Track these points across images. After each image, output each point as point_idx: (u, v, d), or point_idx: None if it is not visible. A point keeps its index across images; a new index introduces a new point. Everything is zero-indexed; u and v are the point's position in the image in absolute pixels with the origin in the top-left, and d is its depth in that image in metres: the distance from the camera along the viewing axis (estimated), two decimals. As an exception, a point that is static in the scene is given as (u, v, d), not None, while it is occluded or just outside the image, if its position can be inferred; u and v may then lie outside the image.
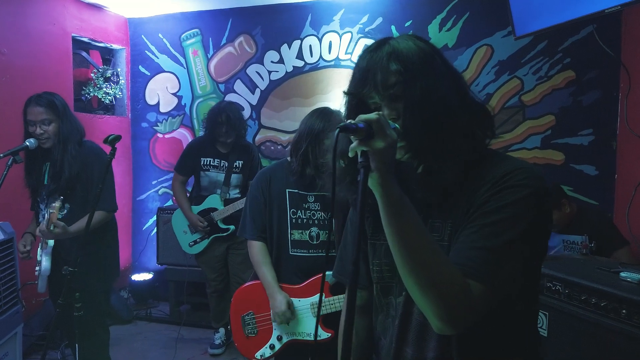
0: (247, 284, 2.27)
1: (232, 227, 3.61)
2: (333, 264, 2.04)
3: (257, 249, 2.19)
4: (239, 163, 3.65)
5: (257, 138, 4.58)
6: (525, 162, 1.00)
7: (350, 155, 0.90)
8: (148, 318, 4.40)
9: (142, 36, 4.84)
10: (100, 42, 4.56)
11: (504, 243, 0.90)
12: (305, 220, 2.16)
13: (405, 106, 0.97)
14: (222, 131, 3.52)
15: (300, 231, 2.16)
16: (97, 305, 2.51)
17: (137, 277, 4.68)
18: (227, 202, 3.63)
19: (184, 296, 4.42)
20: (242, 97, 4.57)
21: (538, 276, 1.05)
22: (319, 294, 2.07)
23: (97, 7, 4.47)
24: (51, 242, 2.43)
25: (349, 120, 0.88)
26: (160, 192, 4.91)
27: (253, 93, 4.55)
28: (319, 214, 2.17)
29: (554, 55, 3.73)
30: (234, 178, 3.67)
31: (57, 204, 2.20)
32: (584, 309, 1.62)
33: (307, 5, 4.35)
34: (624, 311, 1.48)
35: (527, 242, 0.92)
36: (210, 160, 3.65)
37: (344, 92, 1.06)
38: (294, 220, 2.16)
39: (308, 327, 2.12)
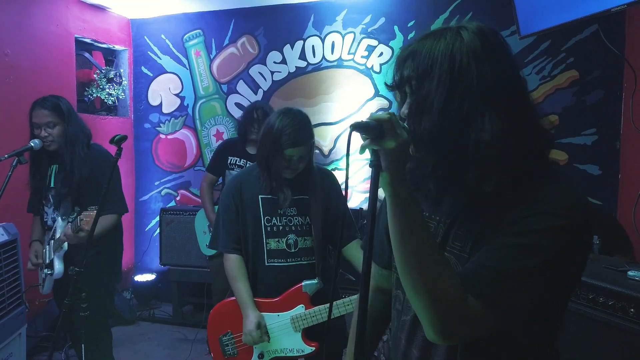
0: (223, 302, 2.14)
1: None
2: (311, 272, 1.99)
3: (231, 263, 2.03)
4: None
5: (259, 138, 4.57)
6: (572, 188, 0.89)
7: (360, 153, 0.90)
8: (151, 319, 4.40)
9: (145, 37, 4.84)
10: (103, 43, 4.57)
11: (519, 270, 0.84)
12: (281, 228, 2.00)
13: (409, 110, 0.96)
14: (255, 128, 3.47)
15: (276, 239, 2.00)
16: (101, 307, 2.51)
17: (140, 278, 4.68)
18: None
19: (189, 297, 4.44)
20: (245, 97, 4.57)
21: (558, 314, 0.97)
22: (299, 306, 1.99)
23: (99, 8, 4.48)
24: (65, 246, 2.43)
25: (361, 119, 0.89)
26: (163, 192, 4.91)
27: (256, 94, 4.55)
28: (296, 219, 2.01)
29: (557, 54, 3.73)
30: None
31: (91, 212, 2.13)
32: (591, 307, 1.61)
33: (309, 5, 4.35)
34: (632, 310, 1.48)
35: (546, 275, 0.85)
36: (236, 160, 3.61)
37: (386, 85, 1.05)
38: (268, 229, 1.99)
39: (290, 343, 1.99)
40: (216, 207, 3.55)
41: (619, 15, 3.48)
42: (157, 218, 4.56)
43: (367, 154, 0.89)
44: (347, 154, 0.90)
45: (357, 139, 0.89)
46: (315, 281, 1.98)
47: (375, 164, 0.88)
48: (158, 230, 4.49)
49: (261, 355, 2.02)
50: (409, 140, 0.88)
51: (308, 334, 2.00)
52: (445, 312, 0.84)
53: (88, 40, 4.42)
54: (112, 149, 2.03)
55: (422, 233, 0.87)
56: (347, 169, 0.92)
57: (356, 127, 0.87)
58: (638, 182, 2.92)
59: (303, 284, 1.97)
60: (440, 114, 0.89)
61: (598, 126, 3.65)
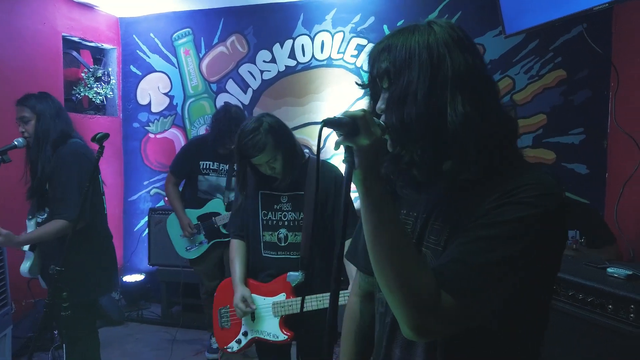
0: (228, 279, 2.30)
1: None
2: (294, 264, 2.08)
3: (232, 246, 2.25)
4: None
5: (249, 138, 4.55)
6: (544, 177, 0.90)
7: (335, 149, 0.90)
8: (140, 319, 4.37)
9: (134, 36, 4.82)
10: (91, 41, 4.54)
11: (492, 263, 0.83)
12: (275, 222, 2.14)
13: (387, 101, 0.95)
14: (229, 140, 3.34)
15: (270, 233, 2.14)
16: (84, 308, 2.41)
17: (129, 278, 4.65)
18: (229, 206, 3.55)
19: (178, 298, 4.41)
20: (234, 96, 4.56)
21: (539, 312, 0.96)
22: (281, 294, 2.11)
23: (87, 7, 4.45)
24: (25, 247, 2.39)
25: (333, 115, 0.89)
26: (151, 192, 4.89)
27: (245, 93, 4.54)
28: (290, 214, 2.13)
29: (545, 54, 3.74)
30: (234, 181, 3.60)
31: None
32: (571, 304, 1.62)
33: (299, 4, 4.35)
34: (610, 306, 1.48)
35: (520, 267, 0.84)
36: (209, 164, 3.55)
37: (357, 84, 1.08)
38: (264, 222, 2.15)
39: (268, 327, 2.13)
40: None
41: (606, 15, 3.51)
42: (146, 218, 4.54)
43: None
44: (318, 150, 0.91)
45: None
46: (298, 274, 2.08)
47: (348, 160, 0.88)
48: (147, 230, 4.46)
49: (245, 333, 2.19)
50: (382, 138, 0.89)
51: (286, 323, 2.12)
52: (419, 309, 0.83)
53: (76, 39, 4.39)
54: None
55: (395, 229, 0.87)
56: (317, 164, 0.91)
57: (328, 123, 0.87)
58: (625, 181, 2.93)
59: (288, 274, 2.11)
60: (425, 102, 0.89)
61: (585, 125, 3.67)
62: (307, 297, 2.04)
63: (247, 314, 2.13)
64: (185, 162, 3.58)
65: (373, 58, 0.99)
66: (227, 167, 3.54)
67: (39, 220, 2.41)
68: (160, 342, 3.96)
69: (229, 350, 2.21)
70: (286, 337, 2.08)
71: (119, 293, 4.66)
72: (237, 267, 2.18)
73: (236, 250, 2.21)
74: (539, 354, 1.00)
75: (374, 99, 1.03)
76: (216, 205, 3.57)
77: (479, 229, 0.86)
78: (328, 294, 1.96)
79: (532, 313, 0.95)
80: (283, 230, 2.12)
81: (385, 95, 0.98)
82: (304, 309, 2.03)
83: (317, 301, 2.03)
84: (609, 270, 1.62)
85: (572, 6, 2.07)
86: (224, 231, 3.54)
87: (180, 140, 4.76)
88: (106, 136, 1.92)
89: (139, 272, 4.75)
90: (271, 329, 2.11)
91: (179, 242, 3.71)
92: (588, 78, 3.64)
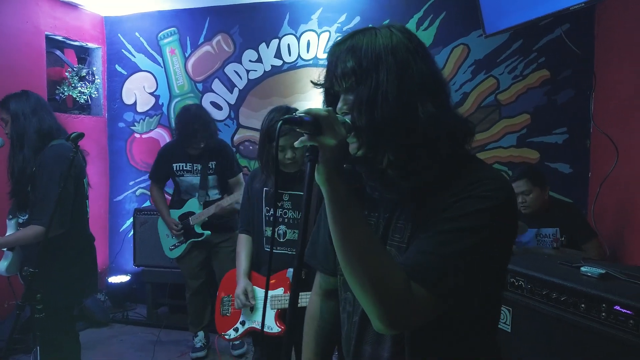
0: (232, 269, 2.41)
1: (207, 232, 3.57)
2: (292, 259, 2.11)
3: (239, 240, 2.37)
4: (212, 164, 3.58)
5: (235, 138, 4.55)
6: (496, 173, 0.96)
7: (296, 145, 0.90)
8: (125, 321, 4.34)
9: (119, 35, 4.78)
10: (75, 40, 4.50)
11: (456, 252, 0.88)
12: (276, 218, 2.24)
13: (354, 102, 0.95)
14: (196, 139, 3.42)
15: (271, 228, 2.19)
16: (61, 310, 2.32)
17: (114, 279, 4.61)
18: (206, 204, 3.57)
19: (164, 298, 4.39)
20: (220, 96, 4.54)
21: (495, 291, 1.03)
22: (279, 289, 2.22)
23: (72, 5, 4.41)
24: (9, 253, 2.36)
25: (294, 113, 0.89)
26: (137, 193, 4.85)
27: (231, 92, 4.52)
28: (290, 212, 2.22)
29: (528, 54, 3.76)
30: (211, 179, 3.60)
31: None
32: (545, 303, 1.62)
33: (285, 4, 4.34)
34: (582, 305, 1.48)
35: (482, 255, 0.89)
36: (182, 165, 3.57)
37: (312, 83, 1.06)
38: (267, 218, 2.25)
39: (265, 319, 2.21)
40: None
41: (589, 16, 3.53)
42: (132, 219, 4.50)
43: None
44: (276, 148, 0.90)
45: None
46: None
47: (310, 159, 0.87)
48: (132, 231, 4.42)
49: (243, 322, 2.29)
50: (347, 137, 0.90)
51: (282, 317, 2.21)
52: (391, 302, 0.86)
53: (59, 38, 4.35)
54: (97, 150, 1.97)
55: (362, 226, 0.89)
56: (275, 163, 0.91)
57: (288, 121, 0.87)
58: (606, 181, 2.95)
59: (288, 269, 2.21)
60: (396, 104, 0.91)
61: (568, 125, 3.69)
62: (301, 293, 2.05)
63: (247, 307, 2.24)
64: (160, 167, 3.65)
65: (336, 57, 0.98)
66: (200, 166, 3.56)
67: (20, 220, 2.38)
68: (145, 343, 3.93)
69: (226, 337, 2.32)
70: (280, 329, 2.16)
71: (104, 294, 4.62)
72: (242, 260, 2.30)
73: (243, 244, 2.34)
74: (497, 345, 1.06)
75: (328, 100, 1.03)
76: (192, 205, 3.60)
77: (443, 223, 0.90)
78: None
79: (490, 303, 1.02)
80: (282, 227, 2.22)
81: (347, 96, 0.98)
82: (298, 305, 2.02)
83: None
84: (583, 269, 1.63)
85: (549, 6, 2.08)
86: (198, 230, 3.58)
87: (166, 140, 4.73)
88: (81, 136, 1.90)
89: (125, 273, 4.71)
90: (267, 321, 2.20)
91: (165, 241, 3.75)
92: (571, 78, 3.66)
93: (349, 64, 0.95)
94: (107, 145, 4.88)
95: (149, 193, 4.76)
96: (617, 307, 1.39)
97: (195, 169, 3.57)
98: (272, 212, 2.25)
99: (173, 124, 3.66)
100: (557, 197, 3.62)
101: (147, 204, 4.79)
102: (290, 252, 2.22)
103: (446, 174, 0.94)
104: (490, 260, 0.91)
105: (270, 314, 2.22)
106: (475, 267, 0.89)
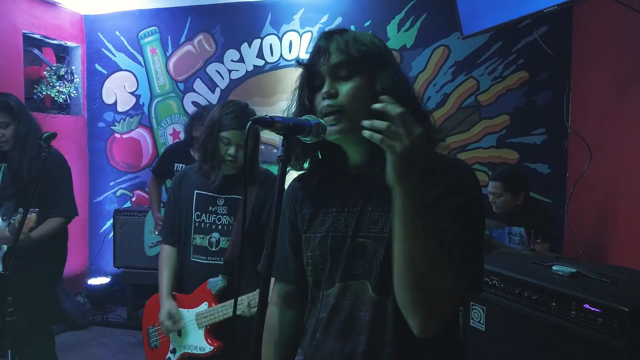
0: (154, 295, 2.19)
1: None
2: (220, 270, 1.95)
3: (162, 253, 2.12)
4: None
5: (217, 138, 4.51)
6: (458, 159, 1.07)
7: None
8: (105, 323, 4.29)
9: (99, 33, 4.72)
10: (54, 39, 4.43)
11: (477, 235, 0.97)
12: (208, 225, 2.01)
13: (356, 86, 0.98)
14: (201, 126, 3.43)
15: (202, 236, 2.01)
16: (40, 312, 2.40)
17: (94, 281, 4.55)
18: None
19: (145, 300, 4.33)
20: (202, 96, 4.51)
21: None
22: (203, 304, 1.99)
23: (50, 3, 4.34)
24: (5, 247, 2.32)
25: (264, 114, 0.89)
26: (118, 193, 4.80)
27: (213, 92, 4.49)
28: (225, 218, 2.00)
29: (508, 56, 3.80)
30: None
31: (33, 216, 2.09)
32: (518, 302, 1.64)
33: (267, 4, 4.32)
34: (553, 304, 1.50)
35: (479, 234, 0.99)
36: (182, 167, 3.53)
37: (297, 62, 1.07)
38: (197, 224, 2.01)
39: (194, 340, 2.00)
40: None
41: (566, 18, 3.58)
42: (112, 220, 4.44)
43: None
44: (245, 150, 0.91)
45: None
46: (218, 279, 1.95)
47: (282, 159, 0.87)
48: (112, 232, 4.37)
49: (174, 351, 2.06)
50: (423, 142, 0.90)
51: (212, 333, 2.00)
52: (444, 298, 0.88)
53: (37, 36, 4.29)
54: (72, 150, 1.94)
55: (430, 232, 0.88)
56: (245, 166, 0.91)
57: (257, 121, 0.88)
58: (583, 180, 2.99)
59: (208, 281, 1.98)
60: (406, 96, 0.97)
61: (547, 126, 3.74)
62: (229, 301, 1.94)
63: (174, 331, 2.02)
64: (163, 163, 3.65)
65: (344, 43, 1.00)
66: None
67: (12, 221, 2.36)
68: (125, 345, 3.89)
69: None
70: (212, 348, 1.96)
71: (83, 296, 4.56)
72: (165, 279, 2.05)
73: (165, 258, 2.09)
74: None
75: (310, 86, 1.04)
76: None
77: (453, 214, 0.93)
78: (252, 293, 1.88)
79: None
80: (216, 234, 2.00)
81: (337, 83, 0.99)
82: (226, 315, 1.92)
83: (239, 304, 1.90)
84: (554, 268, 1.65)
85: (524, 8, 2.11)
86: None
87: (147, 140, 4.69)
88: (53, 136, 1.87)
89: (105, 274, 4.65)
90: (197, 342, 1.99)
91: (148, 237, 3.82)
92: (549, 80, 3.71)
93: (352, 51, 0.99)
94: (87, 145, 4.81)
95: (129, 194, 4.73)
96: (586, 306, 1.40)
97: None
98: (203, 217, 2.00)
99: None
100: (537, 197, 3.67)
101: (128, 204, 4.74)
102: (221, 262, 1.99)
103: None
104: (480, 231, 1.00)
105: (200, 334, 1.99)
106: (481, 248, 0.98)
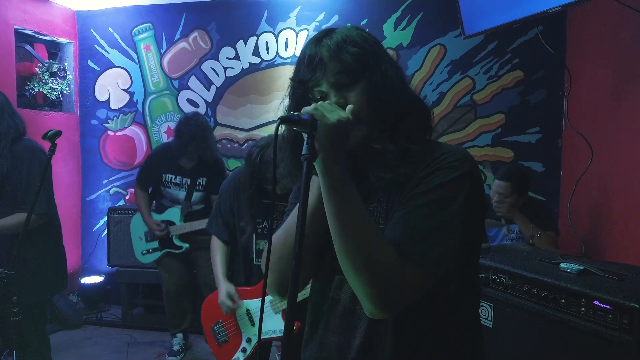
0: (211, 295, 2.31)
1: (186, 245, 3.52)
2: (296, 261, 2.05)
3: (215, 244, 2.28)
4: (202, 180, 3.50)
5: (212, 136, 4.49)
6: (458, 147, 1.02)
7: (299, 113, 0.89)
8: (99, 322, 4.25)
9: (92, 30, 4.66)
10: (46, 35, 4.36)
11: (439, 223, 0.91)
12: (270, 231, 2.10)
13: (361, 92, 0.97)
14: (192, 149, 3.32)
15: (265, 241, 2.12)
16: (33, 313, 2.33)
17: (87, 280, 4.50)
18: (188, 216, 3.52)
19: (139, 299, 4.32)
20: (197, 93, 4.48)
21: (473, 258, 1.05)
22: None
23: (41, -1, 4.28)
24: None
25: (291, 112, 0.89)
26: (111, 191, 4.74)
27: (208, 90, 4.46)
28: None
29: (503, 55, 3.84)
30: (196, 196, 3.53)
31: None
32: (526, 299, 1.66)
33: (263, 1, 4.31)
34: (562, 301, 1.53)
35: (460, 222, 0.92)
36: (172, 177, 3.49)
37: (291, 80, 1.05)
38: (259, 230, 2.13)
39: (272, 325, 2.12)
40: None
41: (561, 18, 3.63)
42: (105, 218, 4.40)
43: None
44: (274, 148, 0.91)
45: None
46: None
47: (308, 157, 0.87)
48: (106, 231, 4.33)
49: (249, 340, 2.17)
50: (352, 122, 0.91)
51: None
52: (388, 284, 0.87)
53: (29, 32, 4.21)
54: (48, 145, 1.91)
55: (359, 209, 0.90)
56: (274, 163, 0.91)
57: (286, 119, 0.88)
58: (577, 179, 3.05)
59: None
60: (400, 95, 0.99)
61: (541, 125, 3.79)
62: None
63: (234, 310, 2.15)
64: (149, 173, 3.56)
65: (338, 48, 0.98)
66: (189, 181, 3.50)
67: None
68: (120, 345, 3.86)
69: None
70: (294, 327, 2.07)
71: (76, 295, 4.51)
72: (219, 264, 2.21)
73: (218, 247, 2.25)
74: (479, 324, 1.10)
75: (296, 97, 1.04)
76: (173, 214, 3.55)
77: (418, 197, 0.93)
78: None
79: (468, 277, 1.04)
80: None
81: (342, 92, 0.98)
82: (304, 296, 2.00)
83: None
84: (562, 265, 1.68)
85: (527, 8, 2.13)
86: (177, 242, 3.53)
87: (141, 138, 4.64)
88: (58, 134, 1.84)
89: (98, 273, 4.60)
90: (276, 326, 2.11)
91: (137, 244, 3.69)
92: (543, 79, 3.76)
93: (346, 54, 0.97)
94: (79, 142, 4.75)
95: (123, 192, 4.69)
96: (596, 302, 1.43)
97: (184, 183, 3.50)
98: (264, 224, 2.13)
99: (174, 130, 3.51)
100: (531, 195, 3.71)
101: (122, 202, 4.69)
102: None
103: (410, 156, 0.98)
104: (469, 227, 0.94)
105: (277, 318, 2.10)
106: (457, 237, 0.92)
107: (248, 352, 2.16)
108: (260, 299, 2.06)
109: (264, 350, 2.25)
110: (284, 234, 1.03)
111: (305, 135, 0.89)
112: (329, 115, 0.88)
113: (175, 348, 3.61)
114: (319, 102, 0.92)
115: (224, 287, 2.16)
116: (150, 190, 3.65)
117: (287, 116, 0.87)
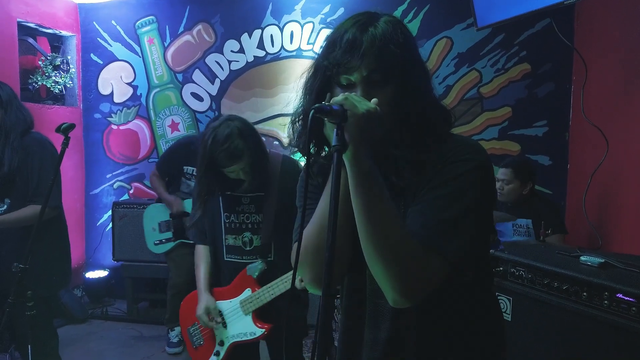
0: (189, 295, 2.24)
1: None
2: (257, 255, 2.02)
3: (196, 252, 2.17)
4: None
5: (217, 129, 4.47)
6: (471, 139, 1.06)
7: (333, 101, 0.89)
8: (104, 317, 4.24)
9: (94, 23, 4.61)
10: (49, 28, 4.32)
11: (457, 214, 0.93)
12: (238, 225, 2.04)
13: (389, 95, 0.97)
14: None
15: (234, 236, 2.05)
16: (42, 308, 2.27)
17: (92, 274, 4.49)
18: None
19: (144, 293, 4.31)
20: (202, 87, 4.45)
21: (486, 245, 1.11)
22: (246, 290, 2.05)
23: (44, -9, 4.23)
24: None
25: (323, 102, 0.89)
26: (115, 186, 4.72)
27: (213, 83, 4.43)
28: (253, 216, 2.03)
29: (510, 48, 3.82)
30: None
31: None
32: (546, 292, 1.66)
33: (267, -6, 4.27)
34: (584, 294, 1.53)
35: (476, 212, 0.95)
36: (193, 170, 3.45)
37: (323, 60, 1.03)
38: (227, 225, 2.05)
39: (242, 327, 2.06)
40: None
41: (569, 10, 3.61)
42: (110, 212, 4.38)
43: None
44: (308, 139, 0.91)
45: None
46: (258, 262, 2.01)
47: (338, 148, 0.86)
48: (111, 225, 4.31)
49: (221, 343, 2.10)
50: (380, 114, 0.90)
51: (260, 317, 2.06)
52: (414, 275, 0.90)
53: (32, 25, 4.17)
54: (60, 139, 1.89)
55: (386, 201, 0.91)
56: (307, 154, 0.90)
57: (320, 110, 0.87)
58: (585, 172, 3.04)
59: (247, 267, 2.03)
60: (426, 96, 1.01)
61: (548, 118, 3.78)
62: (274, 281, 1.99)
63: (212, 326, 2.08)
64: (171, 163, 3.55)
65: (380, 46, 0.96)
66: None
67: (0, 212, 2.30)
68: (126, 339, 3.85)
69: None
70: (263, 330, 2.03)
71: (81, 290, 4.50)
72: (202, 274, 2.11)
73: (201, 256, 2.14)
74: (499, 310, 1.15)
75: (326, 87, 1.04)
76: (189, 205, 3.50)
77: (435, 190, 0.96)
78: (289, 273, 1.93)
79: (483, 262, 1.09)
80: (247, 234, 2.04)
81: (371, 90, 0.97)
82: (273, 296, 1.99)
83: (284, 283, 1.97)
84: (582, 258, 1.67)
85: (543, 0, 2.11)
86: None
87: (145, 132, 4.62)
88: (72, 127, 1.82)
89: (103, 268, 4.59)
90: (246, 328, 2.05)
91: (150, 235, 3.66)
92: (551, 72, 3.74)
93: (388, 56, 0.95)
94: (83, 136, 4.72)
95: (127, 186, 4.67)
96: (620, 295, 1.43)
97: None
98: (232, 218, 2.03)
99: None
100: (538, 188, 3.71)
101: (126, 197, 4.67)
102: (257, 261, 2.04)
103: (427, 152, 1.00)
104: (483, 217, 0.99)
105: (247, 320, 2.04)
106: (474, 226, 0.96)
107: (221, 355, 2.09)
108: (229, 300, 2.07)
109: (249, 353, 2.15)
110: (317, 228, 1.01)
111: (334, 127, 0.87)
112: (359, 106, 0.88)
113: (174, 340, 3.61)
114: (347, 93, 0.91)
115: (204, 300, 2.06)
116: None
117: (321, 106, 0.86)
